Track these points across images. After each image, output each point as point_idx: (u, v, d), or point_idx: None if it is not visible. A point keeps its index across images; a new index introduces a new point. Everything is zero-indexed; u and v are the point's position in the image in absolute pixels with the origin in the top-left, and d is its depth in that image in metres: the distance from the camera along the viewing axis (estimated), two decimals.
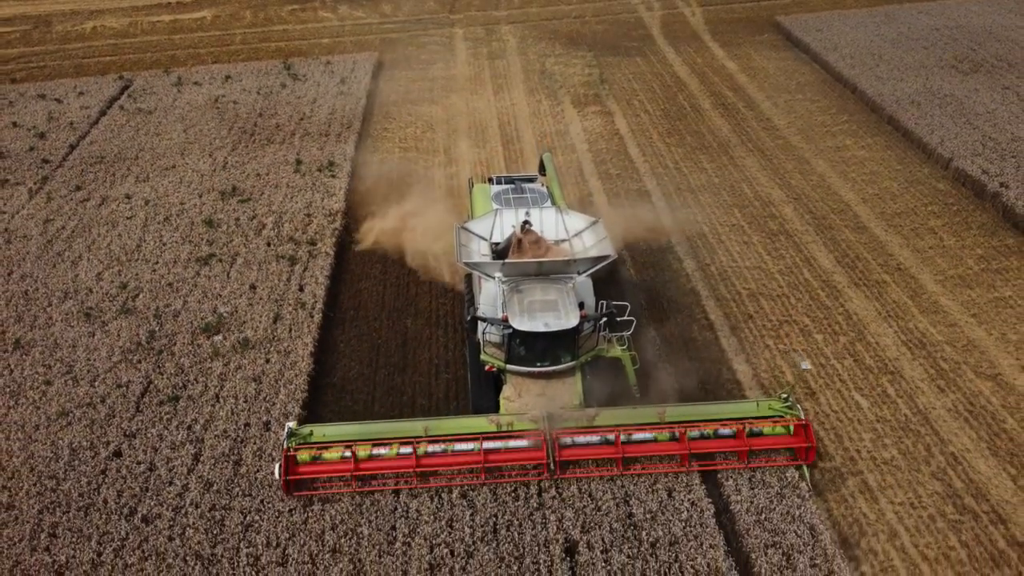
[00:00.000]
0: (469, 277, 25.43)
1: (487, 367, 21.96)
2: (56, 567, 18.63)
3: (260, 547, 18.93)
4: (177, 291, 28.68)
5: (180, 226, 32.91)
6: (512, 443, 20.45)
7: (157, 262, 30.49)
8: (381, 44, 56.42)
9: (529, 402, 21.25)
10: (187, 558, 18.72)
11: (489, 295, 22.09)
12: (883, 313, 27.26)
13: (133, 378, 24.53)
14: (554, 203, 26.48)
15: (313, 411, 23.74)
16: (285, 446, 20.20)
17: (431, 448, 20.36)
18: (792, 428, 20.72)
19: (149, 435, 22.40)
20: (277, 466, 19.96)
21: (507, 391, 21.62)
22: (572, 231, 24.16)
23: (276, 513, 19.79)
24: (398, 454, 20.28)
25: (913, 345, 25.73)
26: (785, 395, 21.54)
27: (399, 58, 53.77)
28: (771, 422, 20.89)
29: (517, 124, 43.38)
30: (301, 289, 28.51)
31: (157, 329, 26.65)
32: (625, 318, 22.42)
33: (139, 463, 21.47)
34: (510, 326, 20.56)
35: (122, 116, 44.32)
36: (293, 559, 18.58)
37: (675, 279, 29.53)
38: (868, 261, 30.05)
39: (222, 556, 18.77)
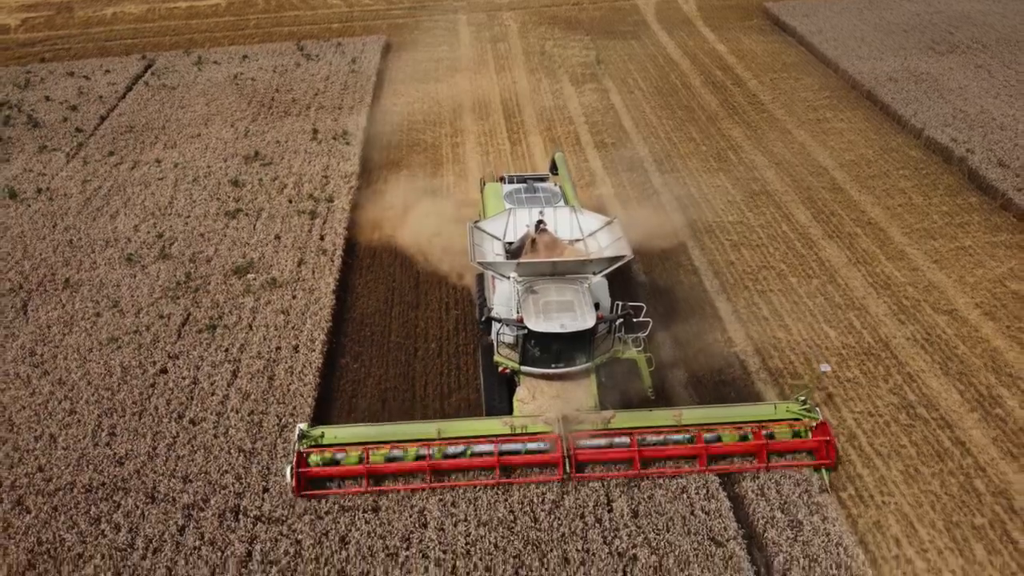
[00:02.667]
0: (481, 277, 25.40)
1: (501, 368, 21.70)
2: (117, 458, 21.29)
3: (294, 443, 21.41)
4: (209, 240, 31.35)
5: (208, 186, 35.60)
6: (527, 445, 20.40)
7: (189, 216, 33.19)
8: (389, 28, 59.10)
9: (544, 404, 21.02)
10: (231, 451, 21.39)
11: (503, 295, 21.83)
12: (853, 260, 29.90)
13: (174, 311, 27.22)
14: (567, 202, 26.41)
15: (336, 341, 26.45)
16: (297, 448, 20.14)
17: (444, 450, 20.37)
18: (810, 431, 20.88)
19: (191, 356, 25.08)
20: (288, 468, 19.92)
21: (521, 393, 21.38)
22: (587, 231, 23.97)
23: (307, 416, 22.48)
24: (409, 455, 20.26)
25: (879, 286, 28.38)
26: (803, 397, 21.66)
27: (406, 41, 56.45)
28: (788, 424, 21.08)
29: (518, 100, 46.00)
30: (322, 238, 31.16)
31: (193, 271, 29.32)
32: (641, 319, 22.29)
33: (184, 378, 24.16)
34: (525, 327, 20.20)
35: (147, 91, 47.08)
36: None
37: (664, 232, 32.15)
38: (842, 217, 32.70)
39: (261, 450, 21.45)
